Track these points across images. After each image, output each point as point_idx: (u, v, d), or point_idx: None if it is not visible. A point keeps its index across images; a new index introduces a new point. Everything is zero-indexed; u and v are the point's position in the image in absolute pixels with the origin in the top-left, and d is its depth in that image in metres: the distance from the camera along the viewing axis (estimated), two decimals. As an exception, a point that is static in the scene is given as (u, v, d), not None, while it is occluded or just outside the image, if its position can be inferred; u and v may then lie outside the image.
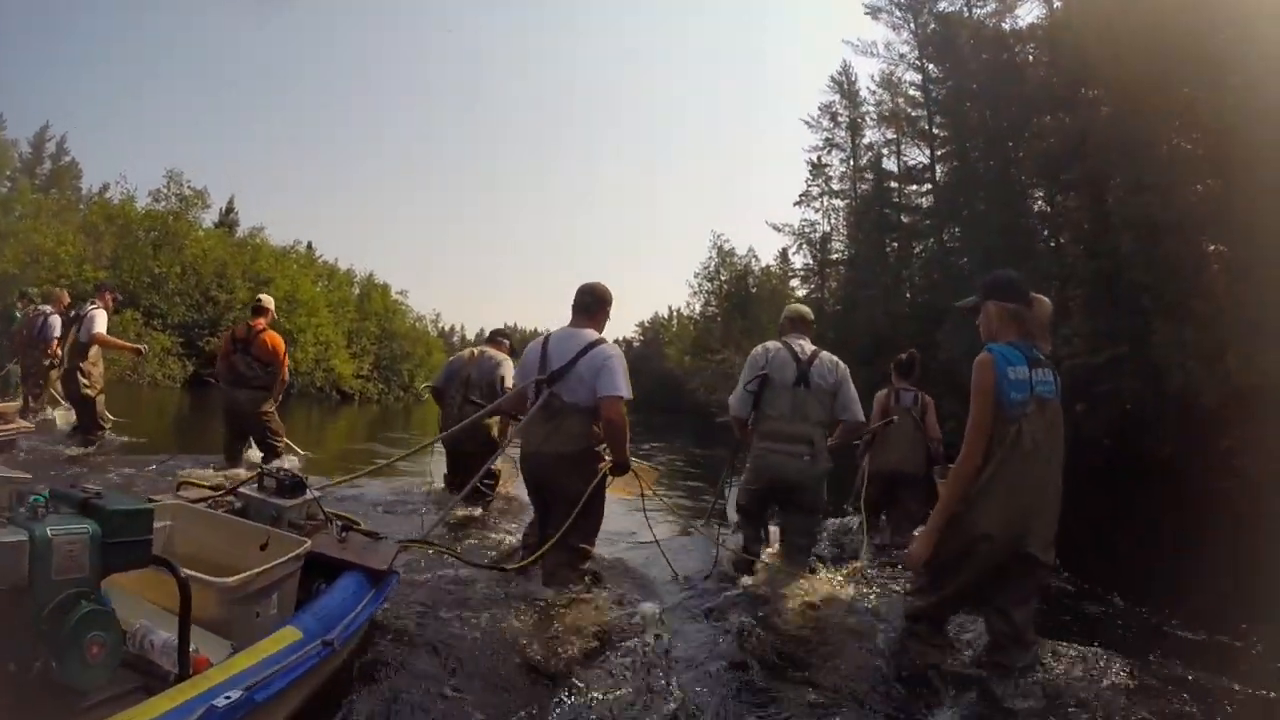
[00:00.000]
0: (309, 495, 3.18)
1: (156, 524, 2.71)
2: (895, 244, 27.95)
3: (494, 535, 5.17)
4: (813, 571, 4.48)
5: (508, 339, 6.68)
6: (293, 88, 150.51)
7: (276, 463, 6.47)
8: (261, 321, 6.72)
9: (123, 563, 1.87)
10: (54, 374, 7.74)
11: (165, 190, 32.93)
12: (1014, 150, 21.07)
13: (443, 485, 6.31)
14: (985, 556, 2.91)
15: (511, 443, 4.59)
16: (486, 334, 6.78)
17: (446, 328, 56.96)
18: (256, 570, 2.39)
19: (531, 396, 3.95)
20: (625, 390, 3.75)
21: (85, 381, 7.24)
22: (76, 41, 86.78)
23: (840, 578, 4.41)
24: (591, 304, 4.06)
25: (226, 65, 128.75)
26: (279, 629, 2.28)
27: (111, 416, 7.92)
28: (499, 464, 6.07)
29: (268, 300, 7.11)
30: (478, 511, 5.80)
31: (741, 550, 4.54)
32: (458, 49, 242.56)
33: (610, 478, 3.96)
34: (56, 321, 7.78)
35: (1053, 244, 20.30)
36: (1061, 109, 18.70)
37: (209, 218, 38.34)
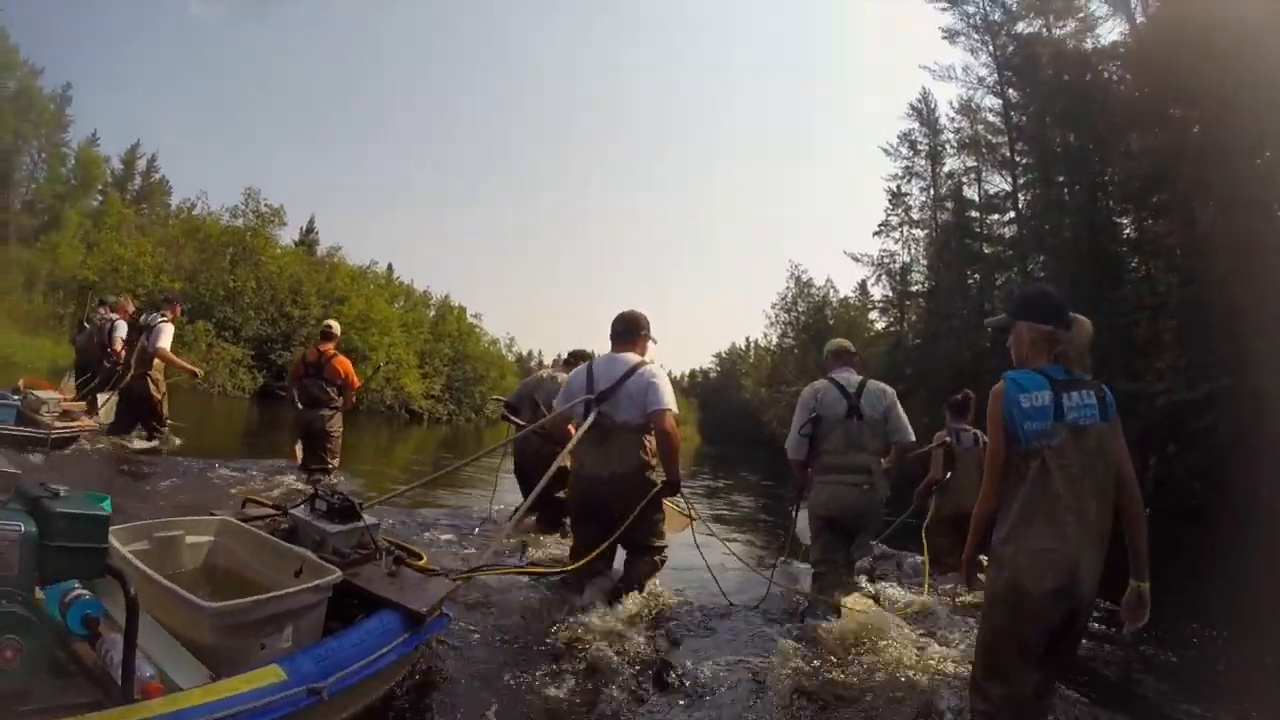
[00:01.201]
0: (360, 523, 2.95)
1: (200, 538, 2.72)
2: (977, 275, 26.98)
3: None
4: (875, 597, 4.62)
5: (589, 357, 6.55)
6: (386, 112, 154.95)
7: (328, 480, 6.85)
8: (330, 347, 7.12)
9: (66, 569, 1.79)
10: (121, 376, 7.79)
11: (243, 207, 34.04)
12: (1100, 174, 20.17)
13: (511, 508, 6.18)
14: (1040, 618, 2.51)
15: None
16: (564, 357, 6.74)
17: (524, 352, 57.39)
18: (253, 599, 2.17)
19: (579, 417, 4.05)
20: (674, 405, 3.92)
21: (155, 390, 7.57)
22: (168, 60, 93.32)
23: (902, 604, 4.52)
24: (628, 330, 4.23)
25: (317, 88, 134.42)
26: (262, 666, 2.06)
27: (171, 420, 8.15)
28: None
29: (335, 326, 7.50)
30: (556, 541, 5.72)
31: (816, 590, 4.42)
32: (554, 72, 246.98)
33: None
34: (122, 327, 8.02)
35: (1142, 271, 19.27)
36: (1150, 127, 17.84)
37: (289, 236, 39.77)
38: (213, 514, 2.97)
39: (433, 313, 47.65)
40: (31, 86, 40.29)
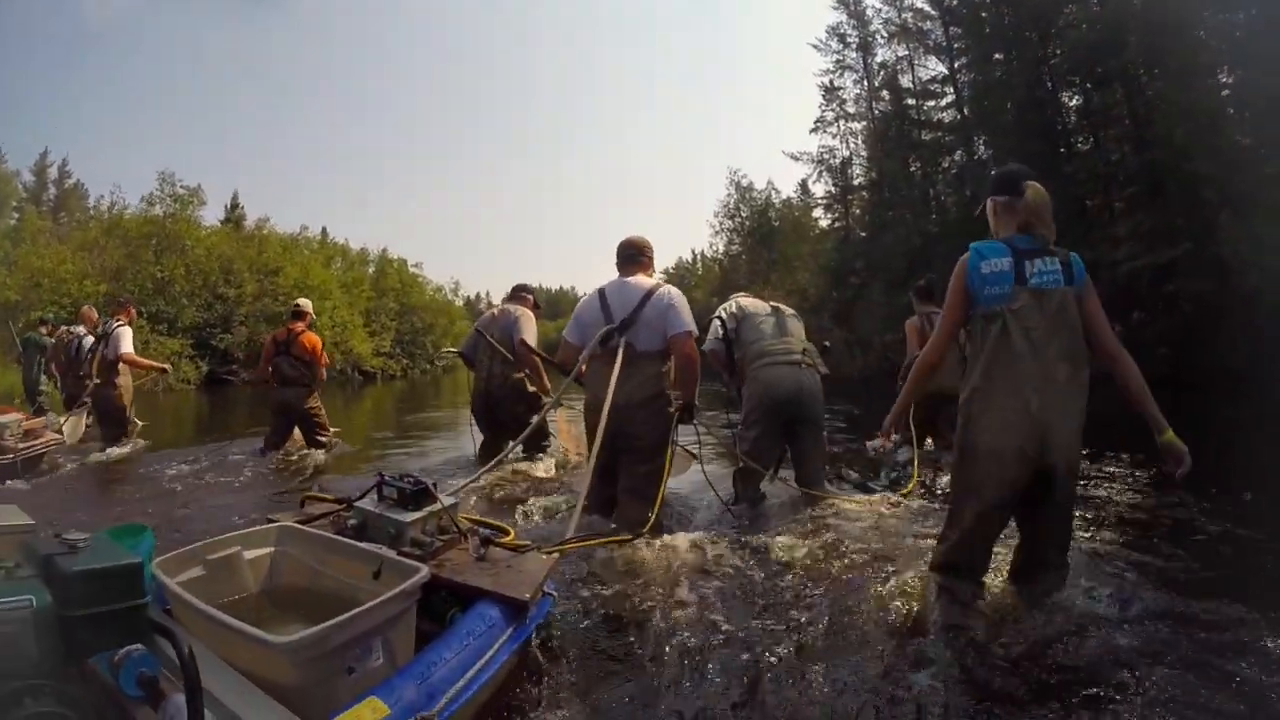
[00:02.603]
0: (437, 504, 2.57)
1: (259, 551, 2.29)
2: (919, 163, 26.72)
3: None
4: (868, 491, 4.78)
5: (531, 293, 6.59)
6: (278, 74, 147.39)
7: (321, 454, 7.03)
8: (300, 324, 7.25)
9: (95, 641, 1.47)
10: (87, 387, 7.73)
11: (159, 193, 32.07)
12: (1042, 48, 19.82)
13: (476, 454, 6.17)
14: (999, 475, 2.62)
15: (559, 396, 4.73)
16: (508, 293, 6.71)
17: (472, 295, 56.10)
18: (331, 624, 1.72)
19: (597, 346, 3.90)
20: (694, 326, 3.86)
21: (118, 394, 7.49)
22: (62, 61, 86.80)
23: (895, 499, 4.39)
24: (635, 255, 4.16)
25: (213, 61, 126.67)
26: (355, 704, 1.68)
27: (139, 421, 8.08)
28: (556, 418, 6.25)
29: (305, 304, 7.65)
30: (540, 470, 5.72)
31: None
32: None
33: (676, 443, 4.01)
34: (90, 342, 7.86)
35: (1090, 144, 19.16)
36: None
37: (213, 216, 37.99)
38: (270, 519, 2.56)
39: (372, 269, 46.00)
40: None
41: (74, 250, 28.52)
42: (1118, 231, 16.12)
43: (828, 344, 5.32)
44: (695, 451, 4.62)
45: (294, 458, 6.92)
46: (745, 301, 4.85)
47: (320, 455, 7.04)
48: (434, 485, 2.61)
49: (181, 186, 32.32)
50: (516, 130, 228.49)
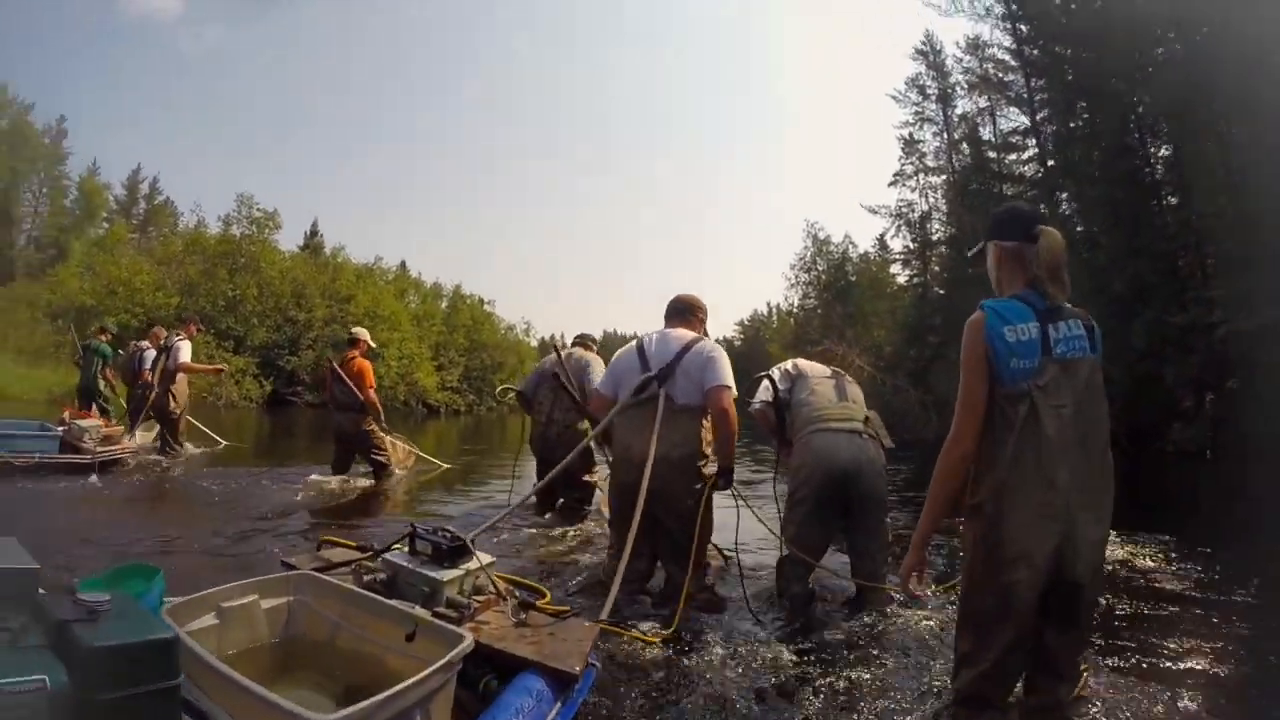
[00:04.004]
0: (475, 563, 2.38)
1: (275, 601, 2.07)
2: (1000, 218, 26.11)
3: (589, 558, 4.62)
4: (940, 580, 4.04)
5: (595, 342, 6.45)
6: (383, 113, 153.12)
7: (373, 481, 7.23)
8: (354, 352, 7.46)
9: None
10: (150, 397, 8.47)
11: (236, 214, 33.41)
12: (1127, 96, 19.01)
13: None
14: (1029, 585, 2.17)
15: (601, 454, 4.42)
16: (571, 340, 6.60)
17: (547, 337, 56.28)
18: (375, 701, 1.46)
19: (630, 396, 3.66)
20: (732, 383, 3.57)
21: (174, 403, 8.41)
22: (162, 84, 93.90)
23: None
24: (685, 310, 3.97)
25: (299, 93, 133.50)
26: None
27: (220, 439, 9.67)
28: (595, 479, 5.97)
29: (360, 332, 7.85)
30: (571, 531, 5.44)
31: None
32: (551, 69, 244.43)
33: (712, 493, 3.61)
34: (151, 355, 8.69)
35: (1178, 198, 18.14)
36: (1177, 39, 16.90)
37: (291, 240, 39.66)
38: (286, 565, 2.41)
39: (445, 304, 46.85)
40: (23, 123, 40.72)
41: (155, 263, 29.86)
42: (1211, 293, 15.28)
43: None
44: (729, 553, 4.17)
45: (332, 485, 7.07)
46: (803, 362, 4.34)
47: (370, 481, 7.28)
48: (472, 541, 2.40)
49: (259, 209, 33.58)
50: (597, 177, 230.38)
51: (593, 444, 4.67)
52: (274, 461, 8.94)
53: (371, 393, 7.36)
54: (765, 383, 4.20)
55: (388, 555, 2.43)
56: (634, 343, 3.89)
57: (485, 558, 2.43)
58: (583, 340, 6.41)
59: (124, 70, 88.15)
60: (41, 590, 1.46)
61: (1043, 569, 2.16)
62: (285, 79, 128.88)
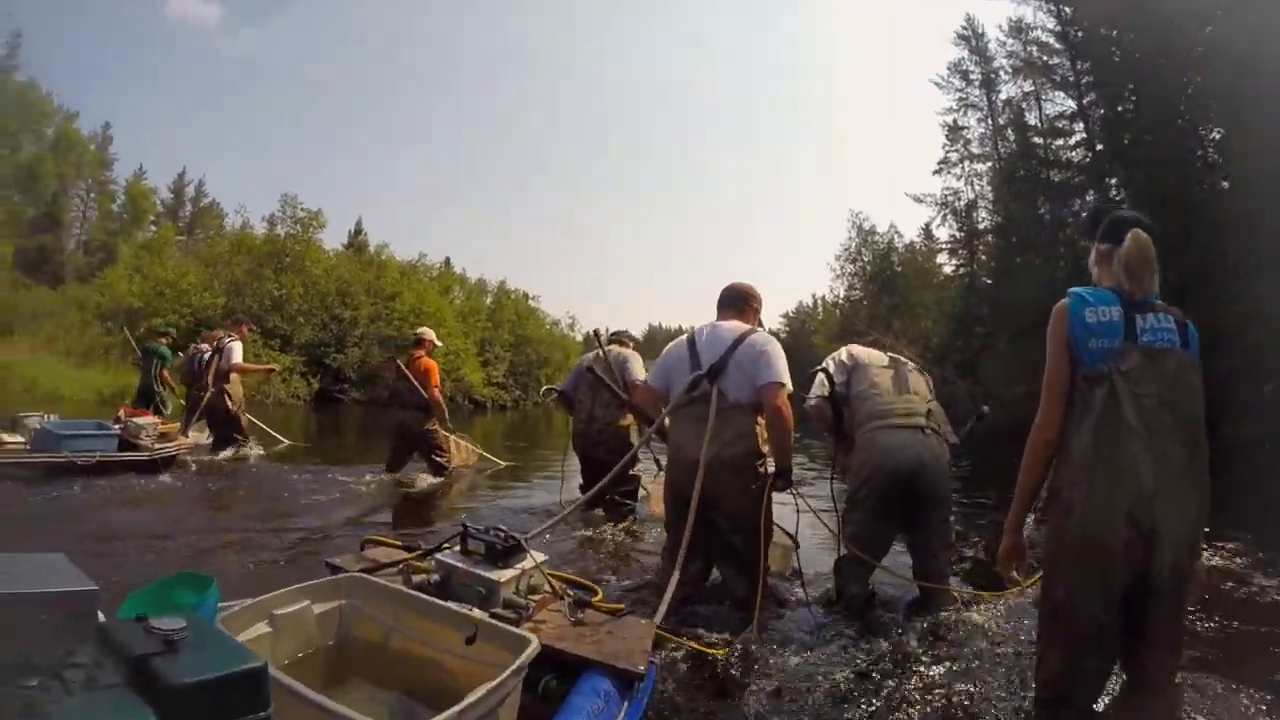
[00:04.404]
0: (529, 562, 2.37)
1: (327, 605, 2.04)
2: (1048, 205, 25.15)
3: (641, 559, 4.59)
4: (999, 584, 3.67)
5: (632, 339, 6.57)
6: (428, 111, 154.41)
7: (426, 480, 7.34)
8: (419, 351, 7.68)
9: None
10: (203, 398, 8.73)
11: (281, 214, 33.80)
12: (1177, 77, 18.37)
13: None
14: (1102, 578, 2.12)
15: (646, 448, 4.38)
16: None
17: (592, 331, 56.51)
18: (459, 709, 1.46)
19: (682, 394, 3.56)
20: (787, 380, 3.42)
21: (230, 403, 8.65)
22: (202, 87, 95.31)
23: None
24: (737, 299, 3.82)
25: (345, 95, 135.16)
26: None
27: (282, 437, 10.11)
28: (639, 471, 6.00)
29: (426, 332, 8.06)
30: (618, 527, 5.46)
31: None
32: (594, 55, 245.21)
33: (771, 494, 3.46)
34: (207, 355, 8.90)
35: (1226, 184, 17.45)
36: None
37: (335, 239, 39.71)
38: (332, 567, 2.42)
39: (489, 300, 47.06)
40: (70, 130, 41.77)
41: (201, 264, 30.49)
42: (1258, 288, 14.58)
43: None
44: (793, 535, 3.96)
45: (388, 483, 7.25)
46: (859, 350, 4.09)
47: (427, 480, 7.36)
48: (526, 539, 2.41)
49: (302, 209, 33.97)
50: (643, 176, 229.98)
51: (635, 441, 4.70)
52: (327, 459, 9.13)
53: (436, 391, 7.53)
54: (820, 377, 4.04)
55: (440, 555, 2.41)
56: (685, 335, 3.81)
57: (539, 556, 2.42)
58: (619, 337, 6.46)
59: (165, 75, 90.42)
60: (101, 616, 1.37)
61: (1117, 563, 2.10)
62: (325, 81, 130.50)
